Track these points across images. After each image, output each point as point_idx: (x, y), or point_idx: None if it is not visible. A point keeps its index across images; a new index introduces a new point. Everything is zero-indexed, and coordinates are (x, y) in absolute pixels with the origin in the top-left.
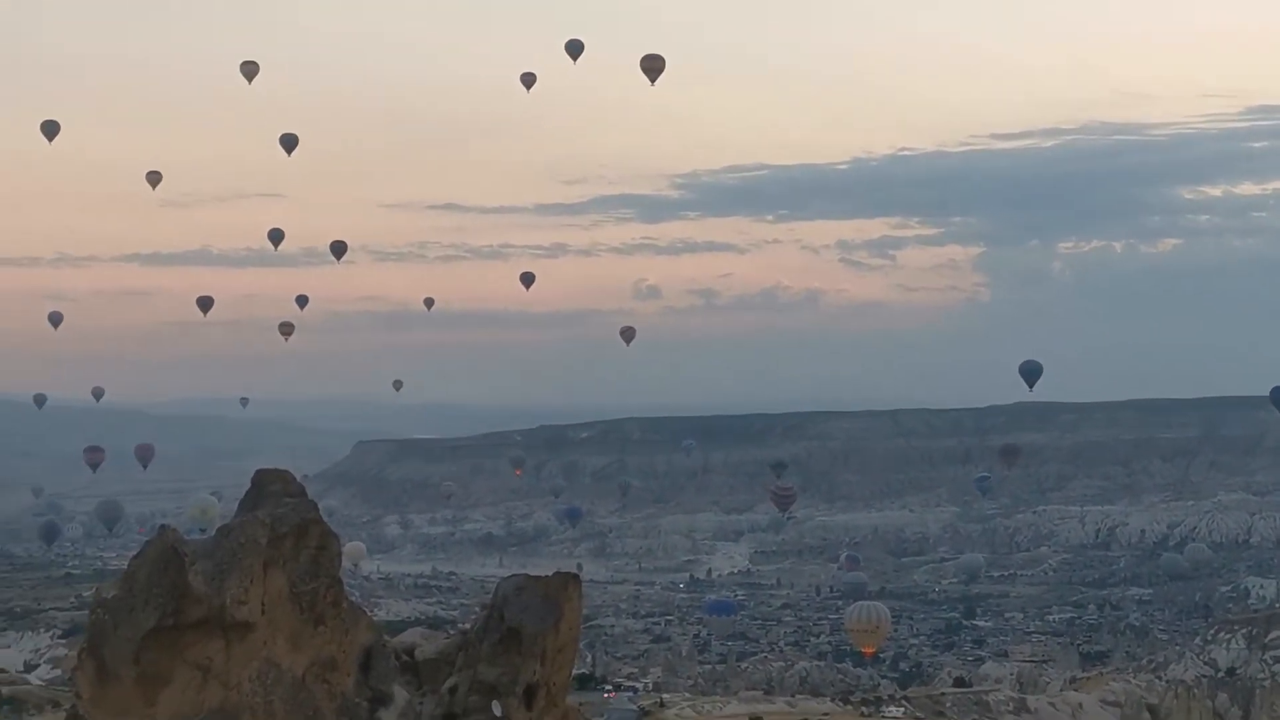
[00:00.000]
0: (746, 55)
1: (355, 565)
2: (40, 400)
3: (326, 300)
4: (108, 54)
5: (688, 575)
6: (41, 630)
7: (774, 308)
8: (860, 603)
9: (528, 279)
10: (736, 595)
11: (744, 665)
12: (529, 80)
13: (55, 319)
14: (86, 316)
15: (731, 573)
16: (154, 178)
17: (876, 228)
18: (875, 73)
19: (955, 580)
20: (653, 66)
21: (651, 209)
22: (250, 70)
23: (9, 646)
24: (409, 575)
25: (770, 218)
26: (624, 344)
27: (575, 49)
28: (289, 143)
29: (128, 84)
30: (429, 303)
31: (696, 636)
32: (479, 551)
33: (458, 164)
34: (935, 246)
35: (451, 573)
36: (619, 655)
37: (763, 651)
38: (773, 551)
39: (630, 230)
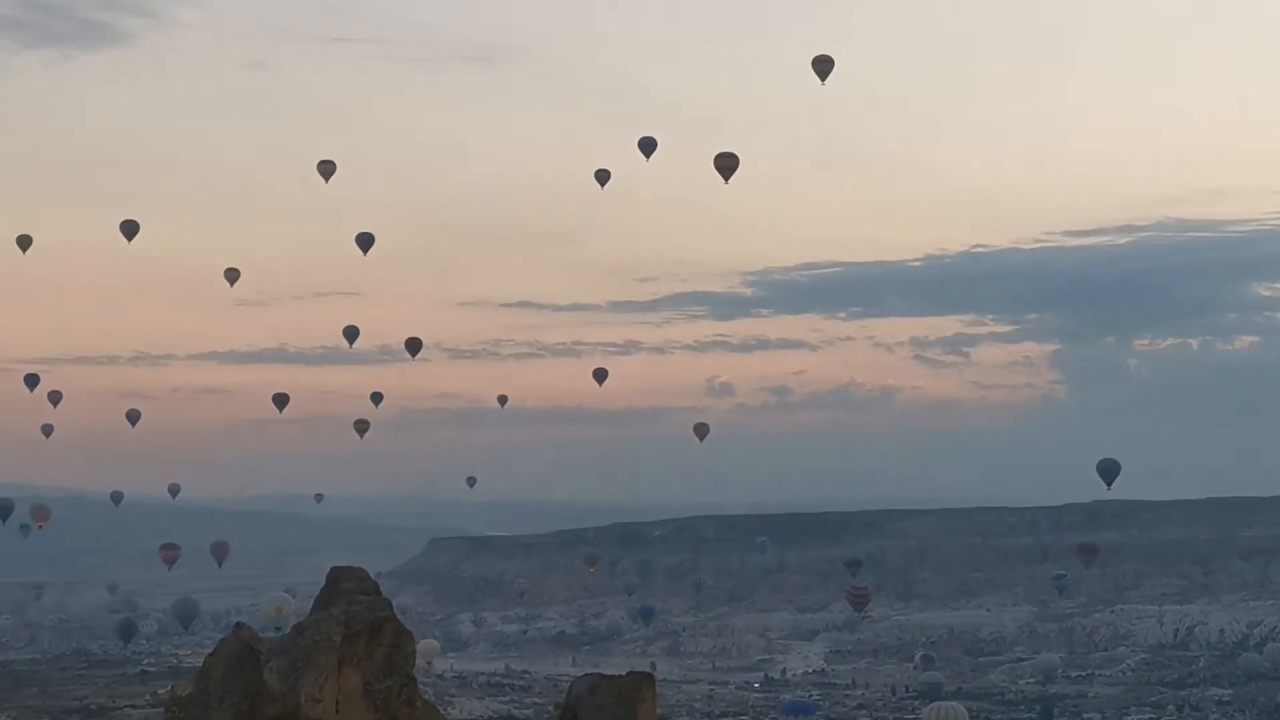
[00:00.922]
0: (819, 152)
1: (429, 663)
2: (117, 498)
3: (401, 397)
4: (186, 153)
5: (762, 675)
6: None
7: (847, 405)
8: (937, 703)
9: (600, 375)
10: (811, 695)
11: None
12: (603, 177)
13: (133, 416)
14: (163, 414)
15: (806, 672)
16: (232, 275)
17: (950, 325)
18: (949, 170)
19: (1032, 680)
20: (726, 164)
21: (724, 306)
22: (327, 169)
23: None
24: (482, 673)
25: (843, 315)
26: (697, 441)
27: (648, 146)
28: (365, 242)
29: (205, 183)
30: (502, 400)
31: None
32: (552, 650)
33: (531, 262)
34: (1010, 344)
35: (525, 671)
36: None
37: None
38: (848, 651)
39: (703, 328)
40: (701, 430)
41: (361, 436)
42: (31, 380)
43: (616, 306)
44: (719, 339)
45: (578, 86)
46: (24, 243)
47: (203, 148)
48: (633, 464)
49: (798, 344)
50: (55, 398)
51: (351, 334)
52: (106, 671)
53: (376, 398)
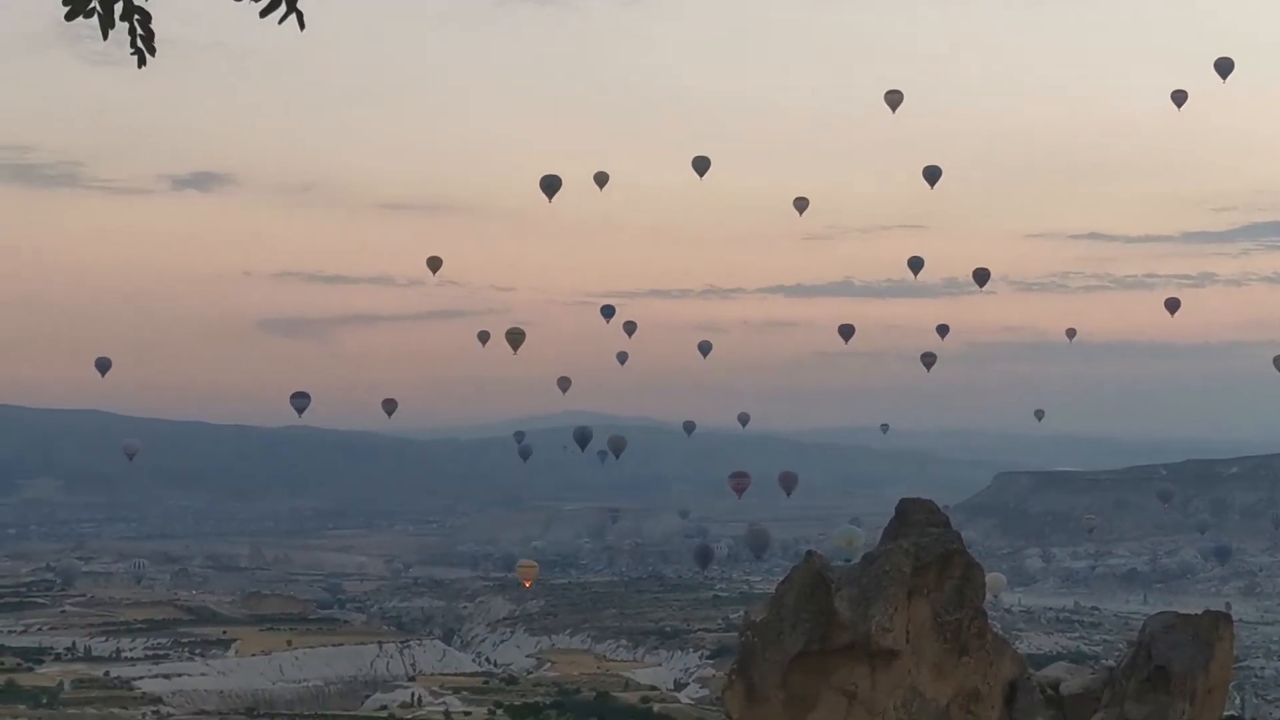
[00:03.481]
0: None
1: (996, 597)
2: (689, 427)
3: (966, 330)
4: (753, 89)
5: None
6: (690, 650)
7: None
8: None
9: (1173, 306)
10: None
11: None
12: (1179, 98)
13: (704, 348)
14: (733, 346)
15: None
16: (801, 203)
17: None
18: None
19: None
20: None
21: None
22: (894, 99)
23: (660, 665)
24: (1050, 609)
25: None
26: (1278, 375)
27: (1225, 68)
28: (932, 175)
29: (774, 118)
30: (1070, 333)
31: None
32: (1122, 587)
33: (1100, 194)
34: None
35: (1094, 608)
36: (1270, 698)
37: None
38: None
39: None
40: None
41: (929, 369)
42: (607, 311)
43: (1190, 238)
44: None
45: (1148, 12)
46: (601, 180)
47: (770, 83)
48: (1208, 399)
49: None
50: (630, 328)
51: (916, 265)
52: (680, 595)
53: (942, 330)
